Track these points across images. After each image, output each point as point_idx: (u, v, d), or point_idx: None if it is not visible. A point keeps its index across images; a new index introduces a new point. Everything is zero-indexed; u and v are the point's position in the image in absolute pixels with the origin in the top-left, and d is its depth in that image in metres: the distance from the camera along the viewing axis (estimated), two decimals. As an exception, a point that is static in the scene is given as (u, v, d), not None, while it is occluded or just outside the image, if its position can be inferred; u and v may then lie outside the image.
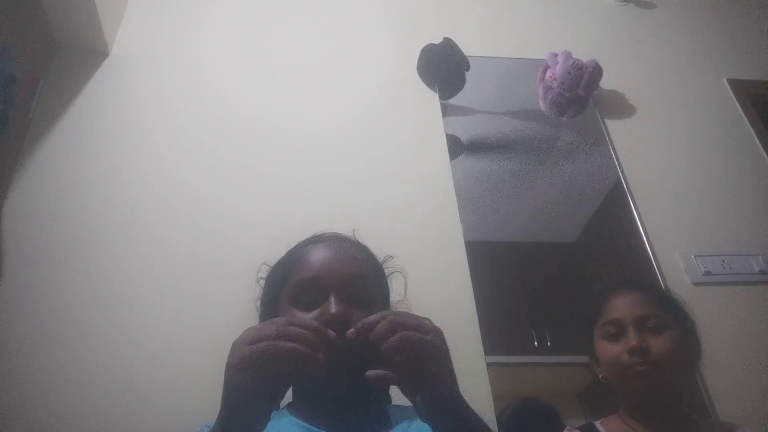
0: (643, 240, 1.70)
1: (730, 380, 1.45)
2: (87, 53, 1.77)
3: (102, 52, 1.79)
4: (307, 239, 0.94)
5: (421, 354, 0.61)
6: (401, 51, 2.04)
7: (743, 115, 2.11)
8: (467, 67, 1.97)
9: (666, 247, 1.70)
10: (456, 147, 1.85)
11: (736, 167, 1.96)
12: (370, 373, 0.62)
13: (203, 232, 1.50)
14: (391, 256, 0.98)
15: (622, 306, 1.17)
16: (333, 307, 0.76)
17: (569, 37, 2.22)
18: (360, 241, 0.96)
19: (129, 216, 1.50)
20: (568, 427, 1.17)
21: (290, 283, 0.84)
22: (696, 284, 1.63)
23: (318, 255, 0.86)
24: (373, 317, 0.64)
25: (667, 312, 1.15)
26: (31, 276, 1.36)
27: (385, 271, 0.95)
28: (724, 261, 1.69)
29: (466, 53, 1.98)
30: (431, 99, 1.95)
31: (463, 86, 1.99)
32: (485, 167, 1.85)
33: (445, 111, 1.93)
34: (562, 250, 1.75)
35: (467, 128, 1.94)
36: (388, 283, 0.94)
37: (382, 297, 0.90)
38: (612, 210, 1.81)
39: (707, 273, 1.65)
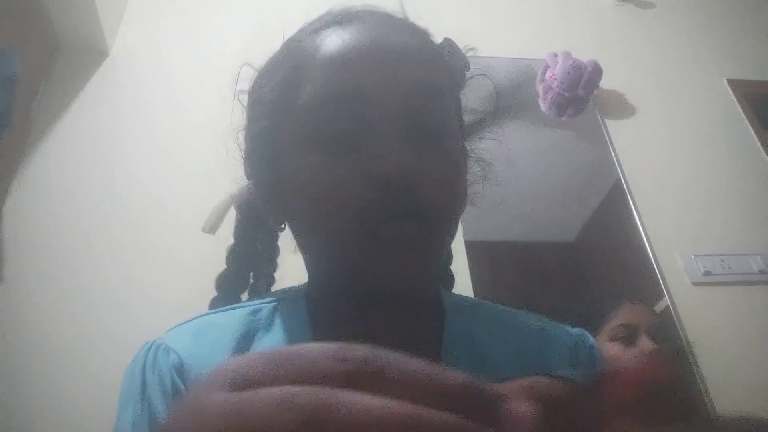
0: (643, 240, 1.70)
1: (730, 380, 1.46)
2: (87, 53, 1.77)
3: (102, 52, 1.79)
4: (320, 18, 0.52)
5: None
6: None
7: (743, 115, 2.11)
8: (467, 67, 1.97)
9: (666, 247, 1.70)
10: (456, 147, 1.85)
11: (735, 167, 1.96)
12: None
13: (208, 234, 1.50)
14: (472, 48, 0.57)
15: (636, 312, 1.20)
16: (394, 152, 0.41)
17: (569, 37, 2.22)
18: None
19: (130, 216, 1.50)
20: None
21: (302, 105, 0.45)
22: (696, 284, 1.64)
23: (353, 49, 0.45)
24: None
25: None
26: (31, 276, 1.36)
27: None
28: (723, 261, 1.69)
29: (465, 53, 1.98)
30: (431, 99, 1.95)
31: (463, 86, 1.99)
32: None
33: (445, 111, 1.93)
34: (562, 249, 1.76)
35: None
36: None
37: (459, 124, 0.54)
38: (612, 210, 1.81)
39: (707, 273, 1.66)
